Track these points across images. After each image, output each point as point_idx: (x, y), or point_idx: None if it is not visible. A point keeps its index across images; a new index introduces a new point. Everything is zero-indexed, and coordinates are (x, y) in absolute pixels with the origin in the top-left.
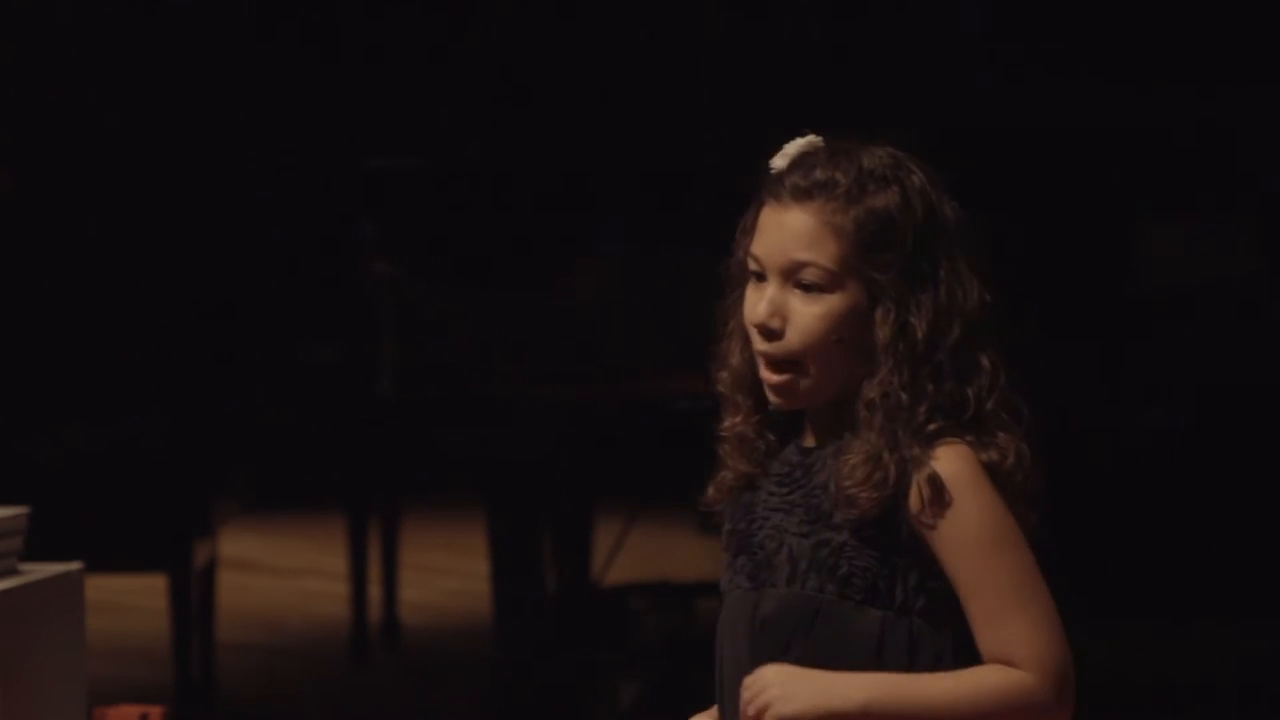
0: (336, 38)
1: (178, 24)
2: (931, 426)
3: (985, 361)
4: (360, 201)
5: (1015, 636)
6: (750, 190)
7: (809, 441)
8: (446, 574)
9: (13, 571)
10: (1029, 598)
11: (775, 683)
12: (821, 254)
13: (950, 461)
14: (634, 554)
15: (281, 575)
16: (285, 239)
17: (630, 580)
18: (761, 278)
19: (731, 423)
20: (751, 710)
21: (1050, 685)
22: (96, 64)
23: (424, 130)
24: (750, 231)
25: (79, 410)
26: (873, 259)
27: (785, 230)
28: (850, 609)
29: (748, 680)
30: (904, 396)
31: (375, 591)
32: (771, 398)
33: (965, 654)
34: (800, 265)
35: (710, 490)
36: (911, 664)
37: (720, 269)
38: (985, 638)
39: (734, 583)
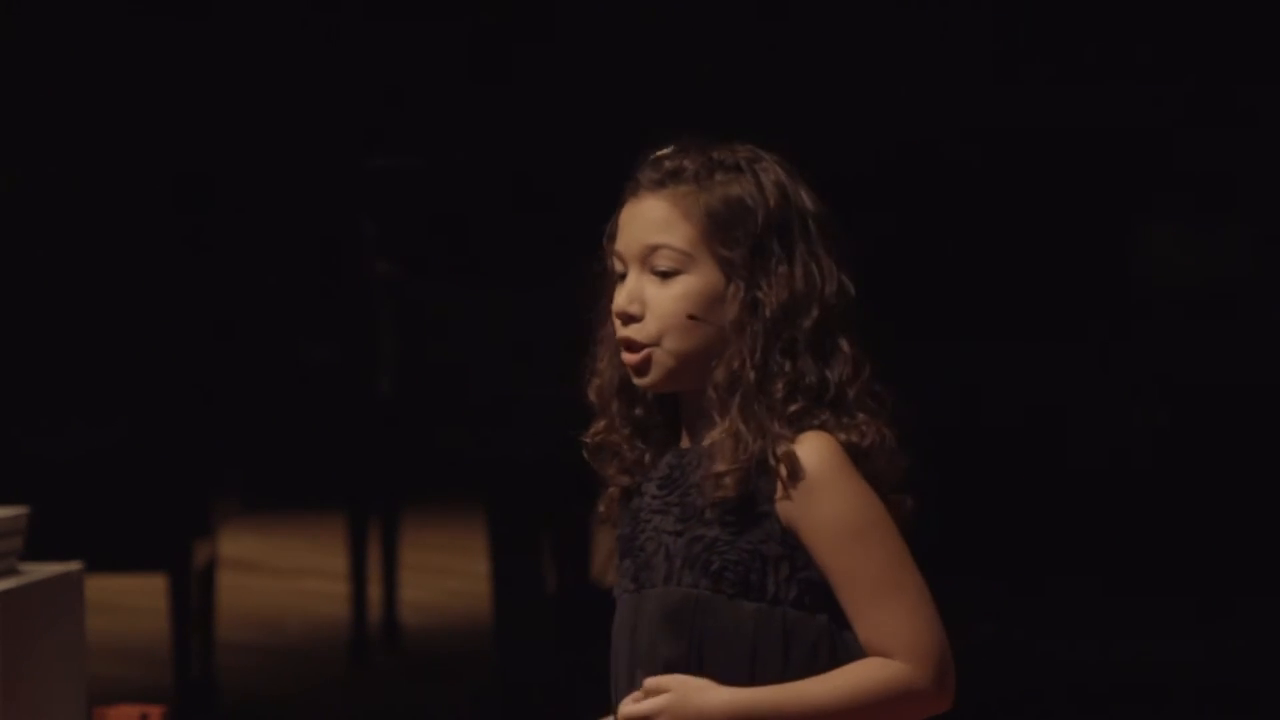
0: (337, 37)
1: (177, 23)
2: (792, 406)
3: (845, 347)
4: (360, 201)
5: (888, 626)
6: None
7: (685, 443)
8: (446, 574)
9: (13, 571)
10: (900, 585)
11: (669, 697)
12: (673, 236)
13: (813, 450)
14: None
15: (281, 575)
16: (285, 239)
17: None
18: (624, 277)
19: (596, 429)
20: (640, 713)
21: (928, 673)
22: (96, 64)
23: (424, 130)
24: (613, 237)
25: (79, 410)
26: (722, 236)
27: (639, 219)
28: (723, 603)
29: (650, 682)
30: (751, 374)
31: (375, 591)
32: (635, 379)
33: (842, 642)
34: (653, 249)
35: (601, 507)
36: (787, 655)
37: (592, 282)
38: (860, 628)
39: (621, 586)
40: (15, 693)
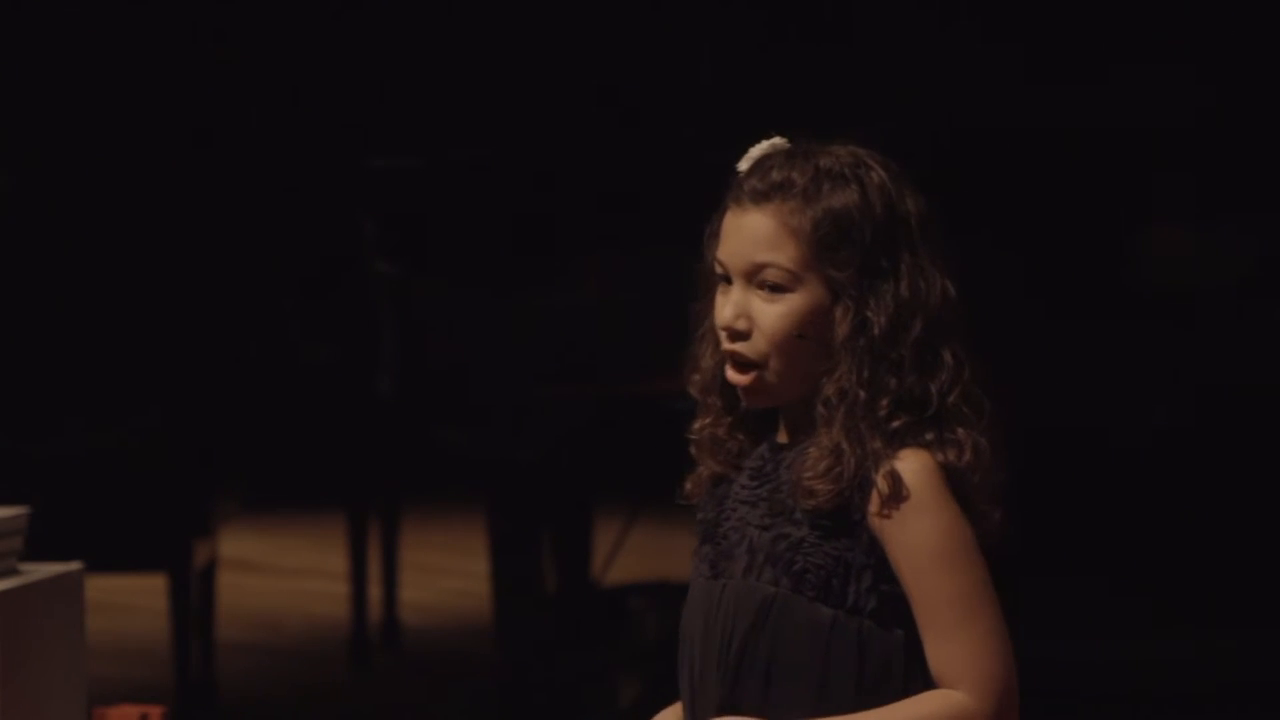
0: (337, 37)
1: (178, 23)
2: (895, 423)
3: (948, 356)
4: (360, 201)
5: (956, 654)
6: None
7: (782, 438)
8: (446, 574)
9: (13, 571)
10: (974, 616)
11: None
12: (780, 254)
13: (912, 469)
14: (634, 554)
15: (281, 575)
16: (285, 239)
17: (630, 580)
18: (728, 281)
19: (702, 424)
20: None
21: (988, 706)
22: (96, 64)
23: (424, 130)
24: (716, 236)
25: (79, 410)
26: (830, 257)
27: (745, 233)
28: (801, 604)
29: None
30: (861, 393)
31: (375, 591)
32: (741, 398)
33: (918, 657)
34: (761, 267)
35: (688, 485)
36: (861, 664)
37: (694, 272)
38: (930, 652)
39: (698, 571)
40: (15, 693)
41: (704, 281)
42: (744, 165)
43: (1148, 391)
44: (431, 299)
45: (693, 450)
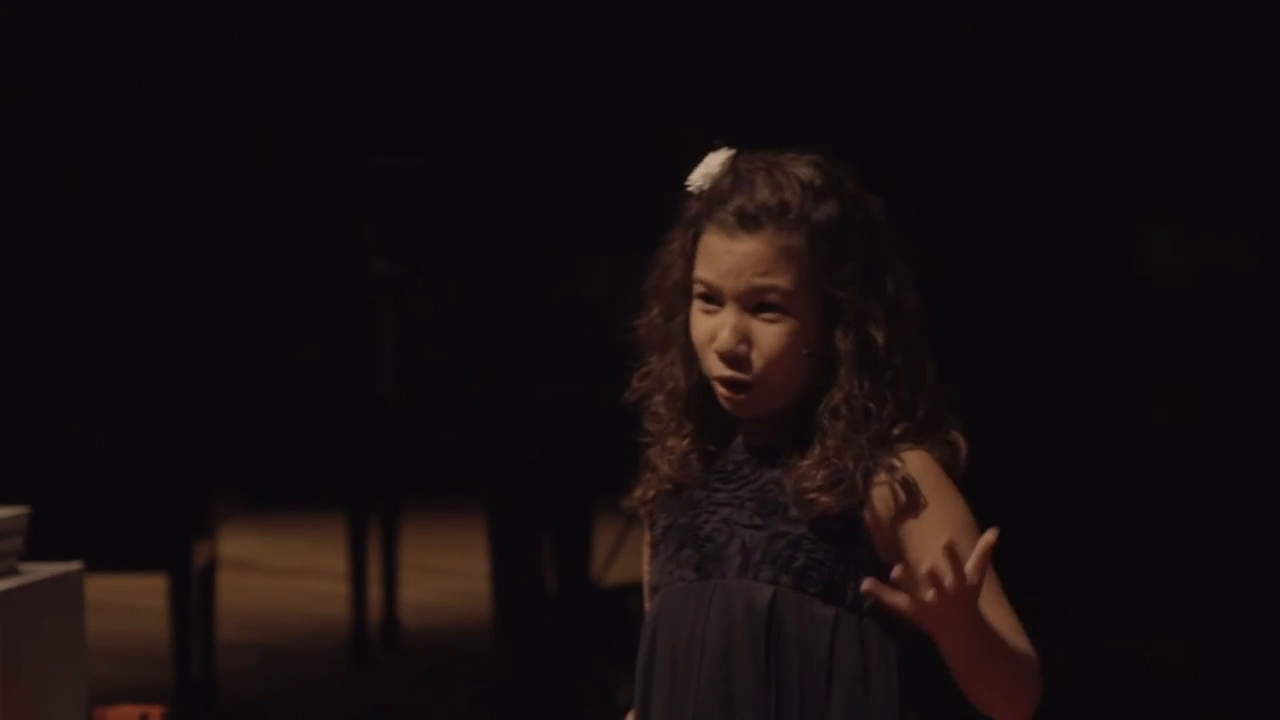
0: (337, 37)
1: (178, 23)
2: (896, 430)
3: (928, 362)
4: (360, 201)
5: (1004, 616)
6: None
7: (757, 440)
8: (446, 574)
9: (13, 571)
10: (1002, 586)
11: None
12: (781, 279)
13: (917, 468)
14: (634, 554)
15: (281, 575)
16: (285, 239)
17: (630, 580)
18: (710, 300)
19: (675, 443)
20: None
21: (1037, 664)
22: (97, 63)
23: (424, 130)
24: (691, 255)
25: (79, 410)
26: (831, 276)
27: (739, 258)
28: (803, 601)
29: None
30: (870, 405)
31: (375, 591)
32: (732, 410)
33: (918, 653)
34: (761, 291)
35: (638, 491)
36: (865, 660)
37: (643, 286)
38: None
39: (676, 575)
40: (15, 693)
41: (664, 296)
42: (701, 181)
43: (1148, 392)
44: (431, 299)
45: (652, 462)
